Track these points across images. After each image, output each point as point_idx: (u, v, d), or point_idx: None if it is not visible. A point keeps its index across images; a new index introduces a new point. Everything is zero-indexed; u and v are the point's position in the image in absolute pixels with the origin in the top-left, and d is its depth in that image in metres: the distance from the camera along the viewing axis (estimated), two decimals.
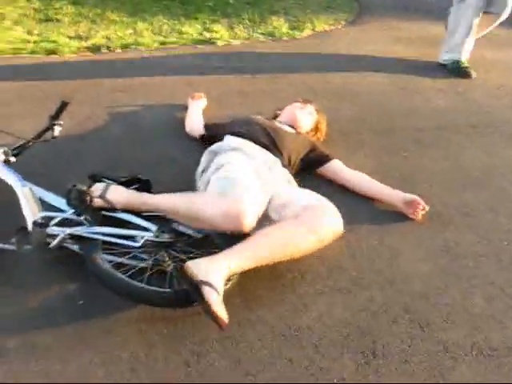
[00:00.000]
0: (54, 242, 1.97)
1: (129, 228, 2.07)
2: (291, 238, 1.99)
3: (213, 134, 2.80)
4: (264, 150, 2.44)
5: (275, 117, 3.00)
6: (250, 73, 3.99)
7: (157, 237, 2.02)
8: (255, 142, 2.46)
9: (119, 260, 2.00)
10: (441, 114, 3.56)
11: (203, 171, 2.36)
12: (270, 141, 2.52)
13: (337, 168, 2.71)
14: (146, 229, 2.06)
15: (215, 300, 1.71)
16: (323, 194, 2.25)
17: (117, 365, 1.77)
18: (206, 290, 1.71)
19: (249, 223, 1.94)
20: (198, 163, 2.71)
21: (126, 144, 2.98)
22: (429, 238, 2.42)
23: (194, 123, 3.07)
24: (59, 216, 2.01)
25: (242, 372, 1.78)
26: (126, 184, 2.22)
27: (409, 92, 3.88)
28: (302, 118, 2.88)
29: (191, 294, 1.74)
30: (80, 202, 1.97)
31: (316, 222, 2.03)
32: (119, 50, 4.35)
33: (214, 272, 1.77)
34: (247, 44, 4.75)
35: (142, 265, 2.00)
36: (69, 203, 2.01)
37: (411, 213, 2.51)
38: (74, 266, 2.04)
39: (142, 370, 1.76)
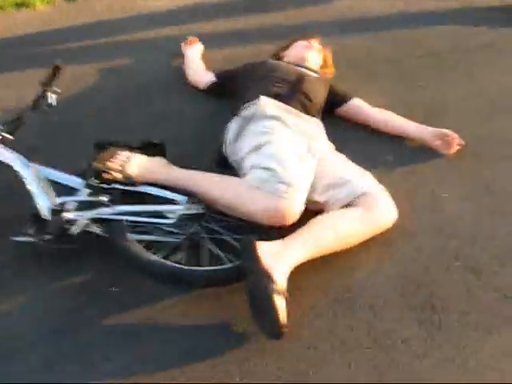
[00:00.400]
0: (77, 229, 1.80)
1: (154, 202, 1.91)
2: (354, 231, 1.88)
3: (228, 84, 2.62)
4: (302, 115, 2.22)
5: (280, 58, 2.78)
6: (240, 8, 3.68)
7: (188, 209, 1.85)
8: (291, 105, 2.24)
9: (150, 238, 1.85)
10: (454, 34, 3.33)
11: (235, 140, 2.14)
12: (304, 97, 2.31)
13: (358, 107, 2.55)
14: (173, 201, 1.89)
15: (282, 307, 1.60)
16: (346, 137, 2.20)
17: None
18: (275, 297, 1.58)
19: (294, 220, 1.80)
20: (211, 116, 2.58)
21: (125, 104, 2.77)
22: (467, 176, 2.31)
23: (198, 72, 2.85)
24: (78, 199, 1.82)
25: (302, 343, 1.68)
26: (139, 150, 2.06)
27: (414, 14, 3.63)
28: (312, 58, 2.68)
29: (257, 282, 1.60)
30: (100, 182, 1.79)
31: (376, 215, 1.91)
32: None
33: (282, 268, 1.67)
34: None
35: (177, 241, 1.85)
36: (87, 185, 1.82)
37: (445, 148, 2.37)
38: (103, 251, 1.88)
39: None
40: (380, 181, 2.06)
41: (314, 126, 2.20)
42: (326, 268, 1.89)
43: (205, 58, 3.03)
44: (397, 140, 2.47)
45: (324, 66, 2.77)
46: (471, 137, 2.47)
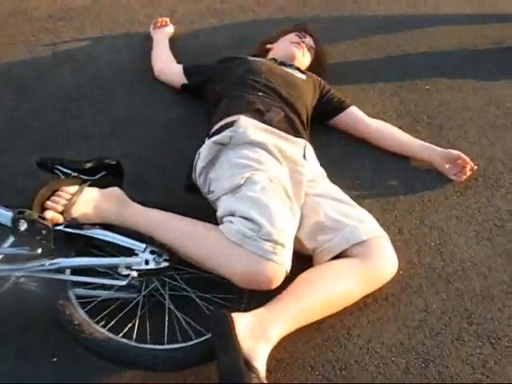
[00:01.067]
0: (3, 287, 1.42)
1: (105, 251, 1.56)
2: (349, 292, 1.56)
3: (200, 88, 2.24)
4: (288, 136, 1.83)
5: (266, 51, 2.38)
6: None
7: (147, 263, 1.49)
8: (276, 122, 1.85)
9: (96, 294, 1.51)
10: (461, 31, 2.95)
11: (207, 171, 1.76)
12: (291, 109, 1.95)
13: (354, 117, 2.19)
14: (130, 250, 1.52)
15: None
16: (339, 155, 1.98)
17: None
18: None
19: (279, 283, 1.46)
20: (184, 123, 2.22)
21: (79, 104, 2.35)
22: (478, 209, 1.99)
23: (165, 63, 2.45)
24: (7, 252, 1.44)
25: None
26: (90, 172, 1.71)
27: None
28: (302, 57, 2.31)
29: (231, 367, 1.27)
30: (34, 235, 1.41)
31: (376, 271, 1.60)
32: None
33: (263, 350, 1.35)
34: None
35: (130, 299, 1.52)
36: (15, 231, 1.44)
37: (455, 173, 2.05)
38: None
39: None
40: (381, 215, 1.83)
41: (301, 149, 1.82)
42: (315, 335, 1.57)
43: (177, 43, 2.63)
44: (400, 159, 2.14)
45: (316, 66, 2.38)
46: (482, 157, 2.17)
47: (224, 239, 1.48)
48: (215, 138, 1.74)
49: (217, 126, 1.83)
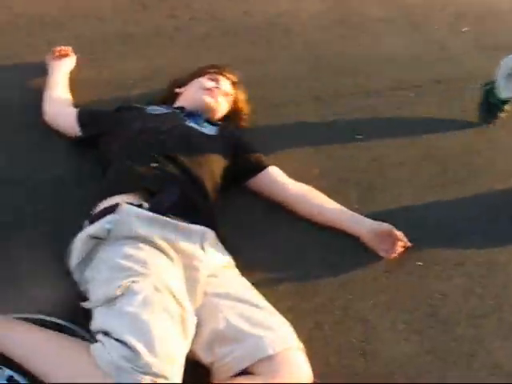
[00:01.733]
0: None
1: None
2: None
3: (94, 139, 1.93)
4: (183, 225, 1.54)
5: (175, 96, 2.09)
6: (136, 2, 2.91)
7: None
8: (169, 204, 1.57)
9: None
10: (397, 64, 2.74)
11: (81, 269, 1.47)
12: (192, 181, 1.68)
13: (273, 179, 1.93)
14: None
15: None
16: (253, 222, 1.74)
17: None
18: None
19: None
20: (76, 182, 1.90)
21: None
22: (410, 293, 1.77)
23: (57, 107, 2.10)
24: None
25: None
26: None
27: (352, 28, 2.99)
28: (215, 106, 2.01)
29: None
30: None
31: None
32: None
33: None
34: None
35: None
36: None
37: (384, 250, 1.82)
38: None
39: None
40: (297, 304, 1.61)
41: (199, 238, 1.54)
42: None
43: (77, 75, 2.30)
44: (324, 231, 1.89)
45: (233, 115, 2.11)
46: (415, 225, 1.94)
47: (93, 368, 1.20)
48: (91, 230, 1.46)
49: (98, 208, 1.55)
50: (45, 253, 1.54)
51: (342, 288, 1.75)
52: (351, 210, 1.91)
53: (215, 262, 1.54)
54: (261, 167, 1.92)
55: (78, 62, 2.40)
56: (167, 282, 1.36)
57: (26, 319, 1.41)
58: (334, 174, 2.10)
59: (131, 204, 1.50)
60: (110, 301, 1.30)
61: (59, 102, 2.11)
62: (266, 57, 2.62)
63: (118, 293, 1.29)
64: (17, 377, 1.30)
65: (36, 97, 2.20)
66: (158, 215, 1.49)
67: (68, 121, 2.01)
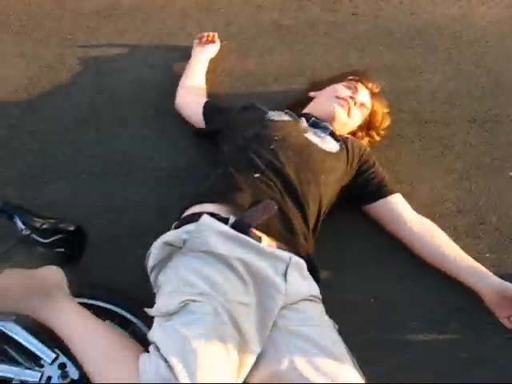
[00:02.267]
0: None
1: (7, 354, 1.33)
2: None
3: (215, 134, 1.91)
4: (266, 249, 1.40)
5: (308, 99, 1.95)
6: None
7: (49, 379, 1.22)
8: (262, 227, 1.45)
9: None
10: None
11: (155, 267, 1.44)
12: (297, 201, 1.56)
13: (393, 209, 1.72)
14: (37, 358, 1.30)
15: None
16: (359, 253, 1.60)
17: None
18: None
19: None
20: (192, 174, 1.91)
21: (84, 129, 2.11)
22: None
23: (188, 95, 2.10)
24: None
25: None
26: (44, 233, 1.51)
27: None
28: (346, 119, 1.84)
29: None
30: None
31: None
32: None
33: None
34: None
35: None
36: None
37: (504, 316, 1.56)
38: None
39: None
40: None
41: (282, 266, 1.39)
42: None
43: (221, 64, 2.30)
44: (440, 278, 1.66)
45: (366, 126, 1.93)
46: None
47: (135, 375, 1.16)
48: (167, 237, 1.40)
49: (186, 213, 1.49)
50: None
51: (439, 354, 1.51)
52: (481, 258, 1.68)
53: (297, 293, 1.40)
54: (381, 194, 1.73)
55: (224, 50, 2.36)
56: (232, 307, 1.26)
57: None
58: (471, 213, 1.84)
59: (216, 216, 1.41)
60: (168, 315, 1.24)
61: (190, 91, 2.09)
62: (425, 66, 2.36)
63: (178, 308, 1.23)
64: (69, 367, 1.29)
65: (176, 81, 2.20)
66: (239, 234, 1.38)
67: (195, 111, 2.00)
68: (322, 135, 1.74)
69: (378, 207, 1.72)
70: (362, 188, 1.74)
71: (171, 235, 1.40)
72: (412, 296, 1.62)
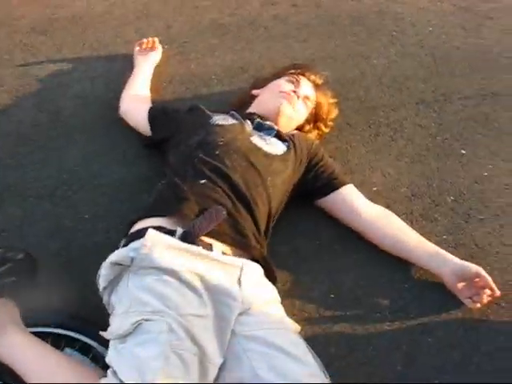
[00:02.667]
0: None
1: None
2: None
3: (162, 143, 1.86)
4: (220, 257, 1.39)
5: (251, 98, 1.93)
6: None
7: None
8: (212, 235, 1.43)
9: None
10: None
11: (106, 289, 1.41)
12: (246, 206, 1.53)
13: (345, 200, 1.72)
14: None
15: None
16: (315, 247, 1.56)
17: None
18: None
19: None
20: (143, 184, 1.85)
21: (28, 149, 2.04)
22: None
23: (132, 102, 2.06)
24: None
25: None
26: None
27: (478, 17, 2.62)
28: (292, 113, 1.83)
29: None
30: None
31: None
32: None
33: None
34: None
35: None
36: None
37: (468, 296, 1.56)
38: None
39: None
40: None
41: (236, 272, 1.38)
42: None
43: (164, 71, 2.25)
44: (400, 265, 1.66)
45: (313, 119, 1.92)
46: None
47: None
48: (114, 257, 1.37)
49: (133, 228, 1.47)
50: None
51: (404, 338, 1.52)
52: (439, 240, 1.69)
53: (253, 298, 1.38)
54: (333, 187, 1.72)
55: (166, 55, 2.33)
56: (188, 321, 1.24)
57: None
58: (425, 195, 1.85)
59: (163, 229, 1.39)
60: (122, 337, 1.22)
61: (134, 98, 2.05)
62: (369, 51, 2.37)
63: (131, 329, 1.20)
64: None
65: (119, 92, 2.16)
66: (188, 245, 1.36)
67: (141, 118, 1.96)
68: (267, 138, 1.72)
69: (331, 200, 1.72)
70: (313, 183, 1.73)
71: (118, 254, 1.37)
72: (371, 287, 1.61)
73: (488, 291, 1.54)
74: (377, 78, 2.25)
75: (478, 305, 1.54)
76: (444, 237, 1.73)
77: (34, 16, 2.63)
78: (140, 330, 1.21)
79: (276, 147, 1.69)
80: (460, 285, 1.56)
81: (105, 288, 1.39)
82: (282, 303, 1.45)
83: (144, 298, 1.26)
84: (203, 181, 1.52)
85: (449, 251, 1.63)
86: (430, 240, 1.66)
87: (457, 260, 1.58)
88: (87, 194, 1.87)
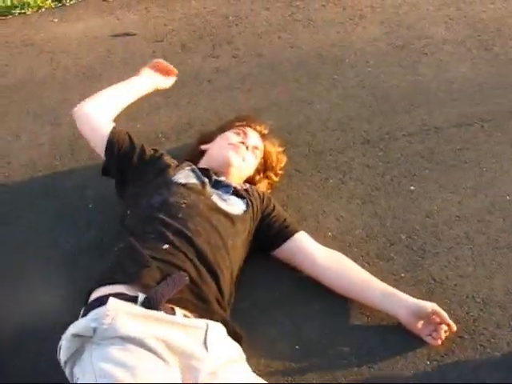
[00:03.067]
0: None
1: None
2: None
3: (118, 175, 1.82)
4: (180, 320, 1.38)
5: (201, 153, 1.95)
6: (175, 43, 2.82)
7: None
8: (174, 301, 1.41)
9: None
10: (463, 95, 2.43)
11: (67, 362, 1.35)
12: (208, 269, 1.52)
13: (299, 247, 1.75)
14: None
15: None
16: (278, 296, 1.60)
17: None
18: None
19: None
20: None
21: None
22: None
23: (107, 109, 1.91)
24: None
25: None
26: None
27: (413, 55, 2.72)
28: (242, 164, 1.85)
29: None
30: None
31: None
32: None
33: None
34: None
35: None
36: None
37: (428, 334, 1.56)
38: None
39: None
40: None
41: (201, 334, 1.38)
42: None
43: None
44: (360, 310, 1.67)
45: (262, 169, 1.96)
46: (475, 301, 1.67)
47: None
48: (74, 328, 1.34)
49: (92, 296, 1.44)
50: None
51: None
52: (397, 279, 1.72)
53: (220, 359, 1.37)
54: (285, 236, 1.74)
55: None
56: None
57: None
58: (380, 235, 1.87)
59: (124, 295, 1.37)
60: None
61: (107, 103, 1.91)
62: (311, 96, 2.42)
63: None
64: None
65: (66, 157, 2.15)
66: (152, 311, 1.34)
67: (98, 133, 1.84)
68: (226, 197, 1.72)
69: (285, 249, 1.73)
70: (266, 233, 1.74)
71: (79, 325, 1.34)
72: (336, 335, 1.61)
73: (445, 327, 1.55)
74: (322, 122, 2.29)
75: (439, 341, 1.55)
76: (402, 275, 1.75)
77: None
78: None
79: (236, 207, 1.70)
80: (419, 324, 1.57)
81: (66, 362, 1.35)
82: (247, 360, 1.43)
83: (109, 370, 1.23)
84: (166, 246, 1.50)
85: (408, 289, 1.65)
86: (388, 280, 1.69)
87: (412, 300, 1.59)
88: (38, 265, 1.82)
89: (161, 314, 1.34)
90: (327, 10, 3.00)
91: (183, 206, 1.62)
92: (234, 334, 1.48)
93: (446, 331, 1.56)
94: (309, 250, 1.71)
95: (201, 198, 1.67)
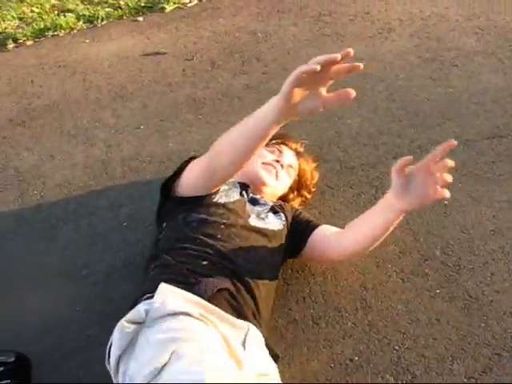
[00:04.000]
0: None
1: None
2: None
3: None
4: (227, 317, 1.41)
5: None
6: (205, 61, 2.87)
7: None
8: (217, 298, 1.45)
9: None
10: (496, 107, 2.42)
11: (122, 357, 1.34)
12: (243, 287, 1.53)
13: (326, 235, 1.74)
14: None
15: None
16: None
17: None
18: None
19: None
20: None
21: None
22: None
23: (229, 147, 1.60)
24: None
25: None
26: None
27: (443, 67, 2.71)
28: (275, 183, 1.86)
29: None
30: None
31: None
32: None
33: None
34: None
35: None
36: None
37: (426, 194, 1.43)
38: None
39: None
40: None
41: (242, 334, 1.40)
42: None
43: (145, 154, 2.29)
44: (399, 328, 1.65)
45: (296, 188, 1.96)
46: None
47: None
48: (128, 315, 1.36)
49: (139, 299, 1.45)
50: None
51: None
52: (432, 295, 1.74)
53: (255, 362, 1.37)
54: (311, 227, 1.75)
55: (144, 134, 2.38)
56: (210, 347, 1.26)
57: None
58: (414, 251, 1.87)
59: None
60: (156, 374, 1.20)
61: (235, 144, 1.56)
62: (342, 110, 2.43)
63: (166, 359, 1.20)
64: None
65: (100, 176, 2.19)
66: (204, 301, 1.38)
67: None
68: (264, 215, 1.73)
69: (312, 242, 1.72)
70: (293, 232, 1.74)
71: (130, 313, 1.36)
72: (370, 352, 1.61)
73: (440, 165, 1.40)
74: (352, 137, 2.29)
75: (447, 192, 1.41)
76: (437, 291, 1.74)
77: (11, 106, 2.66)
78: (175, 356, 1.20)
79: (274, 225, 1.71)
80: (412, 193, 1.46)
81: (120, 357, 1.33)
82: (280, 376, 1.44)
83: (166, 337, 1.26)
84: (205, 262, 1.52)
85: (444, 305, 1.66)
86: (422, 296, 1.70)
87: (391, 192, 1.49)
88: (75, 286, 1.86)
89: (210, 305, 1.37)
90: (355, 24, 3.01)
91: (222, 227, 1.63)
92: (270, 351, 1.48)
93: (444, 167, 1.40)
94: (332, 230, 1.72)
95: (239, 218, 1.67)
